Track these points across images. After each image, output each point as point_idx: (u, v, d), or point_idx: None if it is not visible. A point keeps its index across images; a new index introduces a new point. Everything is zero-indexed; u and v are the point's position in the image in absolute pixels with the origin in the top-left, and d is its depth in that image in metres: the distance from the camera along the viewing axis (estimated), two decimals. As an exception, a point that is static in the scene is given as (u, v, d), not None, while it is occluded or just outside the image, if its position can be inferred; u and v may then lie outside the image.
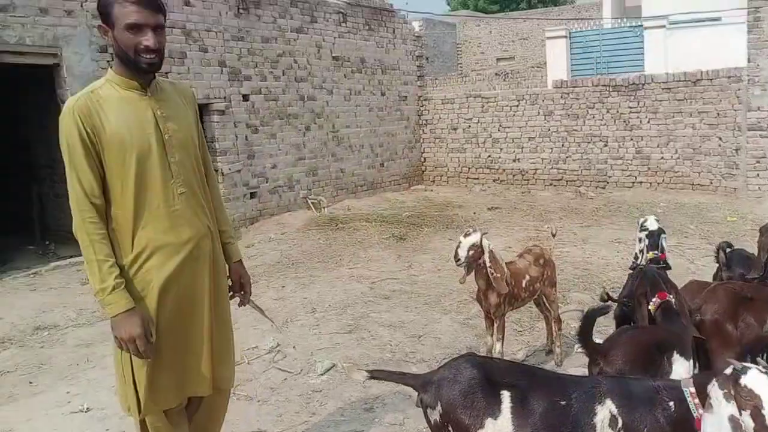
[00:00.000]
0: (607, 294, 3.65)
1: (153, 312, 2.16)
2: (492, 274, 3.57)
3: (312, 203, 9.79)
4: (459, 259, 3.53)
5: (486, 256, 3.57)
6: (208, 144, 8.34)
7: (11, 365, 4.31)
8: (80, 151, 2.05)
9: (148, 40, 2.07)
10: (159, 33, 2.11)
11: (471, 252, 3.52)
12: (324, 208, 9.71)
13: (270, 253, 7.45)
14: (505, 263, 3.82)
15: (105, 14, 2.09)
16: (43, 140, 7.93)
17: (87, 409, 3.62)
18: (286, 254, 7.32)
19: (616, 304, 3.56)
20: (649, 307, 3.09)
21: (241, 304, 2.57)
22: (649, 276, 3.23)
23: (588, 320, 2.74)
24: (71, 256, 7.08)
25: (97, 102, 2.09)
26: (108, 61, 7.08)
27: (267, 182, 9.25)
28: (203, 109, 8.47)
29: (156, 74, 2.22)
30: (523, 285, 3.86)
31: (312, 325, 4.94)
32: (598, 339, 2.91)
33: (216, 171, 8.47)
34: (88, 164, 2.06)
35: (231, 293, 2.52)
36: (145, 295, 2.15)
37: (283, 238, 8.11)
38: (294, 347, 4.48)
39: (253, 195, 9.04)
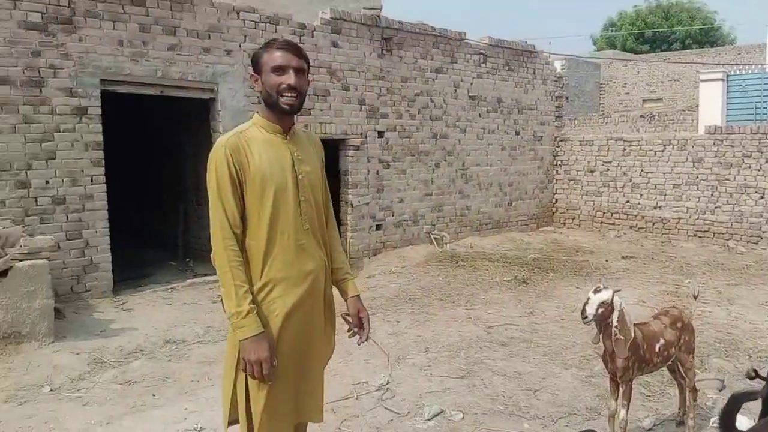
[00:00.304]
0: (755, 371, 3.23)
1: (275, 339, 2.29)
2: (615, 335, 3.28)
3: (435, 238, 9.75)
4: (586, 317, 3.30)
5: (615, 316, 3.30)
6: (341, 176, 8.76)
7: (139, 376, 4.58)
8: (228, 184, 2.25)
9: (289, 78, 2.27)
10: (300, 76, 2.31)
11: (600, 310, 3.27)
12: (446, 244, 9.62)
13: (389, 285, 7.47)
14: (638, 324, 3.51)
15: (255, 63, 2.35)
16: (192, 166, 8.58)
17: (200, 428, 3.73)
18: (405, 288, 7.30)
19: (766, 382, 3.13)
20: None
21: (361, 341, 2.60)
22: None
23: (732, 406, 2.42)
24: (206, 274, 7.54)
25: (245, 141, 2.30)
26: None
27: (393, 215, 9.36)
28: (339, 144, 8.80)
29: (295, 122, 2.44)
30: (656, 349, 3.52)
31: (423, 366, 4.83)
32: (746, 419, 2.56)
33: (346, 202, 8.77)
34: (233, 197, 2.26)
35: (349, 329, 2.61)
36: (268, 322, 2.29)
37: (403, 272, 8.11)
38: (403, 387, 4.39)
39: (378, 227, 9.17)
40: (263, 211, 2.29)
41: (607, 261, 8.98)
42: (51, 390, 4.28)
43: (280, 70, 2.28)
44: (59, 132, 6.33)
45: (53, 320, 5.13)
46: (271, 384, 2.27)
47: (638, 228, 11.09)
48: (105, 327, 5.64)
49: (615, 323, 3.29)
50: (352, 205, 8.76)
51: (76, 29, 6.36)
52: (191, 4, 7.15)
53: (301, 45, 7.98)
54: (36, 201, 6.22)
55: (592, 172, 11.76)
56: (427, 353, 5.12)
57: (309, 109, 8.24)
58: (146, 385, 4.41)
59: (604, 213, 11.60)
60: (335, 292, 2.60)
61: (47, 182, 6.28)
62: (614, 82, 25.94)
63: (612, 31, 39.51)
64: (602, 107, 24.65)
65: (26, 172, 6.15)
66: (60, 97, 6.32)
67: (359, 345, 2.62)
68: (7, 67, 6.00)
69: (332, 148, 8.96)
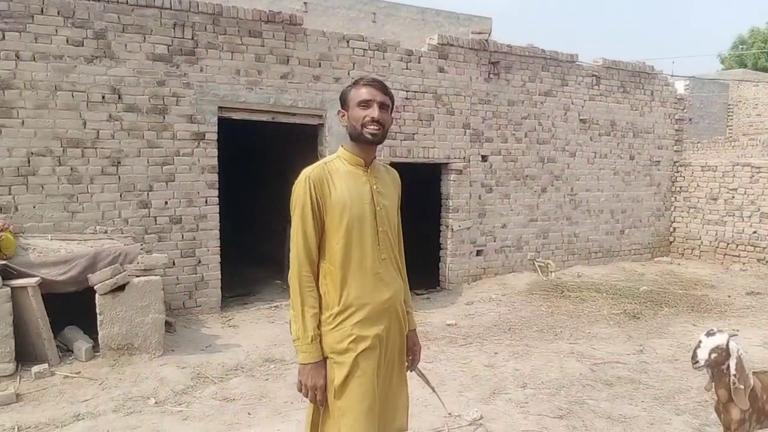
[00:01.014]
0: None
1: (345, 363, 2.35)
2: (734, 384, 2.99)
3: (539, 266, 9.41)
4: (697, 362, 3.05)
5: (732, 363, 3.02)
6: (442, 200, 8.72)
7: (237, 393, 4.71)
8: (309, 212, 2.36)
9: (373, 112, 2.40)
10: (383, 110, 2.44)
11: (713, 356, 3.02)
12: (552, 272, 9.26)
13: (488, 314, 7.28)
14: (758, 373, 3.19)
15: (343, 100, 2.50)
16: (299, 187, 8.86)
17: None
18: (505, 318, 7.09)
19: None
20: None
21: (409, 369, 2.71)
22: None
23: None
24: (308, 295, 7.71)
25: (328, 172, 2.43)
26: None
27: (495, 241, 9.16)
28: (442, 168, 8.77)
29: (376, 156, 2.56)
30: (777, 401, 3.18)
31: (520, 402, 4.63)
32: None
33: (447, 227, 8.70)
34: (314, 225, 2.37)
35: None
36: (344, 346, 2.36)
37: (504, 300, 7.89)
38: (497, 424, 4.24)
39: (479, 252, 9.00)
40: (342, 239, 2.39)
41: (729, 297, 8.27)
42: (156, 402, 4.51)
43: (365, 104, 2.41)
44: (179, 156, 6.77)
45: (164, 334, 5.43)
46: (348, 408, 2.35)
47: (766, 261, 10.15)
48: (211, 342, 5.89)
49: (733, 371, 3.01)
50: (452, 229, 8.67)
51: (198, 60, 6.79)
52: (304, 34, 7.44)
53: (407, 70, 8.13)
54: (155, 220, 6.67)
55: (714, 199, 10.94)
56: (525, 389, 4.91)
57: (413, 134, 8.30)
58: (243, 403, 4.53)
59: (727, 244, 10.73)
60: None
61: (166, 203, 6.71)
62: (744, 103, 24.12)
63: (742, 49, 36.92)
64: (729, 130, 22.98)
65: (148, 193, 6.61)
66: (181, 123, 6.76)
67: (408, 372, 2.70)
68: (135, 95, 6.51)
69: (434, 173, 8.96)
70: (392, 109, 2.53)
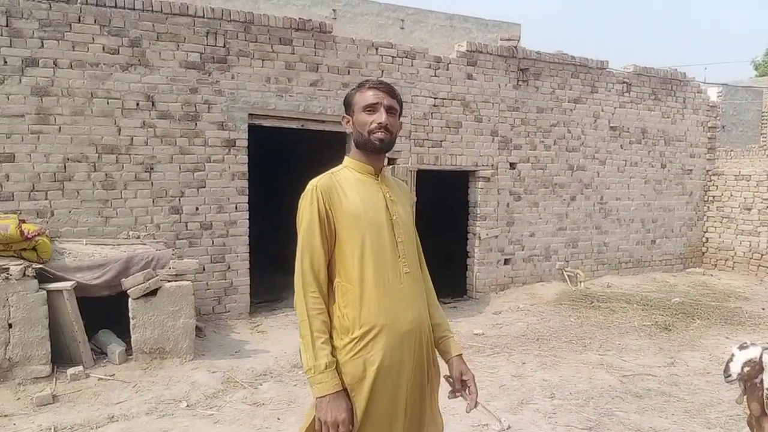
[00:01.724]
0: None
1: (367, 392, 2.09)
2: (767, 398, 2.94)
3: (568, 276, 9.32)
4: (729, 375, 3.02)
5: (765, 376, 2.96)
6: (470, 209, 8.67)
7: (267, 398, 4.76)
8: (317, 227, 2.15)
9: (380, 117, 2.20)
10: (391, 114, 2.24)
11: (746, 369, 2.98)
12: (581, 282, 9.16)
13: (516, 324, 7.23)
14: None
15: (347, 104, 2.30)
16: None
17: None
18: (533, 327, 7.03)
19: None
20: None
21: (470, 408, 2.30)
22: None
23: None
24: (335, 301, 7.76)
25: (336, 182, 2.23)
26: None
27: (523, 250, 9.10)
28: (470, 176, 8.75)
29: (384, 164, 2.37)
30: (813, 417, 3.11)
31: (548, 413, 4.60)
32: None
33: (474, 235, 8.67)
34: (321, 241, 2.14)
35: (453, 392, 2.36)
36: (365, 375, 2.09)
37: (532, 310, 7.83)
38: (525, 433, 4.21)
39: (507, 261, 8.95)
40: (360, 253, 2.16)
41: (763, 309, 8.08)
42: (188, 405, 4.58)
43: (371, 108, 2.22)
44: (210, 162, 6.87)
45: (194, 339, 5.51)
46: None
47: (804, 274, 9.91)
48: (240, 348, 5.96)
49: (767, 385, 2.96)
50: (479, 237, 8.64)
51: (230, 67, 6.90)
52: (333, 42, 7.51)
53: (435, 77, 8.15)
54: (186, 226, 6.77)
55: (749, 209, 10.72)
56: (553, 399, 4.86)
57: (441, 141, 8.30)
58: (273, 408, 4.57)
59: (762, 255, 10.49)
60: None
61: (197, 209, 6.82)
62: (779, 110, 23.59)
63: (777, 54, 36.16)
64: (764, 138, 22.49)
65: (179, 199, 6.72)
66: (212, 130, 6.87)
67: (467, 412, 2.33)
68: (168, 102, 6.63)
69: (462, 180, 8.94)
70: (401, 113, 2.33)
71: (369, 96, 2.23)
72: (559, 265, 9.44)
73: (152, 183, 6.59)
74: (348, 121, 2.31)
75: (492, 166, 8.77)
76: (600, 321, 7.31)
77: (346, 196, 2.20)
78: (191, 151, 6.78)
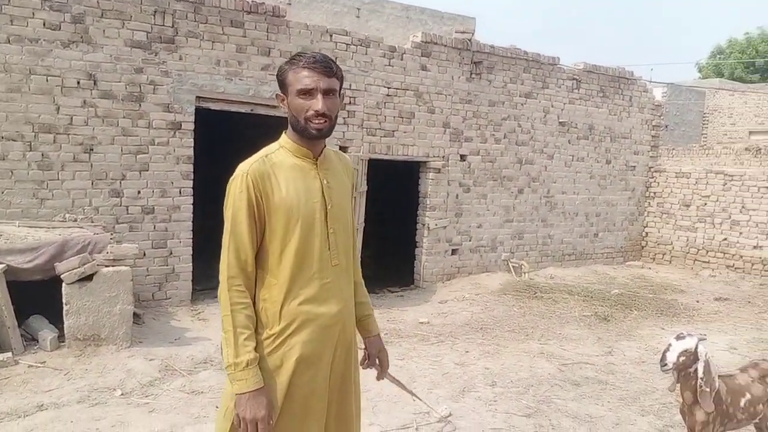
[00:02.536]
0: None
1: (285, 385, 2.05)
2: (700, 387, 3.04)
3: (513, 267, 9.48)
4: (665, 364, 3.09)
5: (699, 366, 3.06)
6: (420, 199, 8.71)
7: (206, 387, 4.66)
8: (245, 216, 2.02)
9: (316, 104, 2.02)
10: (330, 97, 2.05)
11: (681, 359, 3.06)
12: (525, 273, 9.33)
13: (461, 313, 7.31)
14: (723, 376, 3.24)
15: (281, 83, 2.10)
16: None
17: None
18: (477, 317, 7.12)
19: None
20: None
21: (379, 377, 2.47)
22: None
23: None
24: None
25: (270, 167, 2.08)
26: (344, 119, 7.85)
27: (470, 240, 9.19)
28: (420, 166, 8.77)
29: (325, 144, 2.22)
30: (741, 405, 3.25)
31: (489, 400, 4.66)
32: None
33: (423, 225, 8.71)
34: (249, 231, 2.02)
35: (366, 364, 2.43)
36: (283, 367, 2.05)
37: (477, 299, 7.92)
38: (466, 421, 4.25)
39: (454, 251, 9.03)
40: (287, 247, 2.05)
41: (698, 302, 8.41)
42: (122, 394, 4.44)
43: (306, 93, 2.03)
44: (153, 145, 6.67)
45: (131, 325, 5.35)
46: None
47: (735, 268, 10.34)
48: (180, 335, 5.83)
49: (700, 374, 3.05)
50: (428, 228, 8.69)
51: (178, 48, 6.70)
52: (287, 27, 7.38)
53: (390, 67, 8.11)
54: (127, 210, 6.57)
55: (687, 206, 11.11)
56: (494, 387, 4.94)
57: (393, 131, 8.29)
58: (211, 396, 4.48)
59: (698, 250, 10.91)
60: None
61: (139, 192, 6.62)
62: (719, 112, 24.55)
63: (720, 58, 37.55)
64: (704, 138, 23.36)
65: (120, 182, 6.51)
66: (157, 112, 6.67)
67: (378, 380, 2.51)
68: (112, 82, 6.40)
69: (413, 171, 8.96)
70: (341, 88, 2.13)
71: (304, 78, 2.02)
72: (504, 256, 9.59)
73: (92, 165, 6.36)
74: (283, 100, 2.11)
75: (443, 157, 8.81)
76: (542, 311, 7.46)
77: (279, 185, 2.06)
78: (134, 133, 6.57)
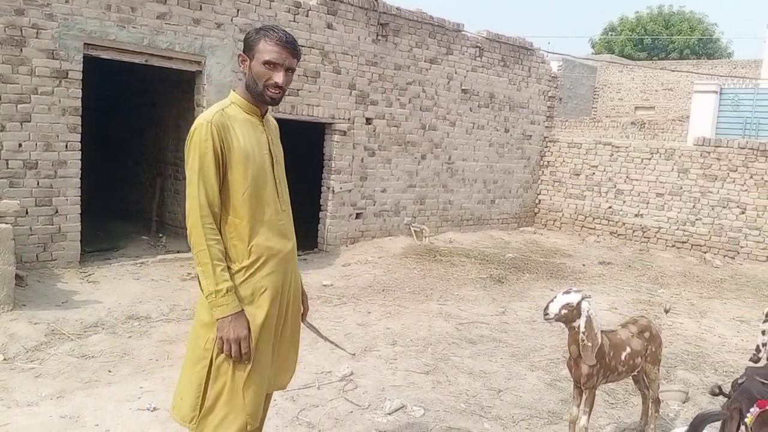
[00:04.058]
0: (719, 387, 3.23)
1: (262, 315, 2.30)
2: (583, 341, 3.24)
3: (414, 231, 9.67)
4: (548, 314, 3.27)
5: (582, 321, 3.25)
6: (325, 162, 8.63)
7: (97, 351, 4.46)
8: (211, 161, 2.23)
9: (279, 77, 2.29)
10: (289, 74, 2.34)
11: (564, 311, 3.23)
12: (426, 237, 9.55)
13: (363, 275, 7.39)
14: (605, 332, 3.47)
15: (249, 46, 2.33)
16: (174, 139, 8.42)
17: (154, 408, 3.64)
18: (379, 279, 7.23)
19: (727, 399, 3.12)
20: (746, 420, 2.67)
21: (302, 319, 2.67)
22: (749, 390, 2.81)
23: (696, 427, 2.40)
24: (178, 251, 7.42)
25: (228, 119, 2.30)
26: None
27: (374, 205, 9.26)
28: (326, 128, 8.67)
29: (268, 108, 2.46)
30: (622, 358, 3.49)
31: (389, 359, 4.77)
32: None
33: (328, 188, 8.66)
34: (215, 175, 2.24)
35: None
36: (255, 299, 2.30)
37: (379, 263, 8.04)
38: (367, 379, 4.33)
39: (358, 215, 9.07)
40: (247, 190, 2.30)
41: (584, 266, 8.97)
42: (5, 359, 4.17)
43: (272, 65, 2.28)
44: (36, 94, 6.15)
45: (13, 287, 4.99)
46: (256, 359, 2.28)
47: (618, 234, 11.11)
48: (67, 298, 5.50)
49: (582, 329, 3.25)
50: (333, 191, 8.65)
51: (62, -10, 6.17)
52: (186, -26, 6.97)
53: (294, 23, 7.88)
54: (7, 164, 6.05)
55: (577, 175, 11.74)
56: (395, 346, 5.06)
57: (297, 90, 8.11)
58: (103, 360, 4.29)
59: (585, 217, 11.60)
60: None
61: (20, 145, 6.11)
62: (608, 87, 25.98)
63: (612, 35, 39.56)
64: (594, 111, 24.67)
65: (-1, 134, 5.97)
66: (41, 58, 6.14)
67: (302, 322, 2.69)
68: (-13, 23, 5.81)
69: (318, 132, 8.84)
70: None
71: (273, 51, 2.28)
72: (407, 221, 9.75)
73: (-35, 113, 5.79)
74: (244, 60, 2.34)
75: (348, 119, 8.75)
76: (441, 273, 7.69)
77: (236, 135, 2.29)
78: (14, 80, 6.02)
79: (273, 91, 2.31)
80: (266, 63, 2.27)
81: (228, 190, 2.28)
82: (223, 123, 2.26)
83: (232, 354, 2.21)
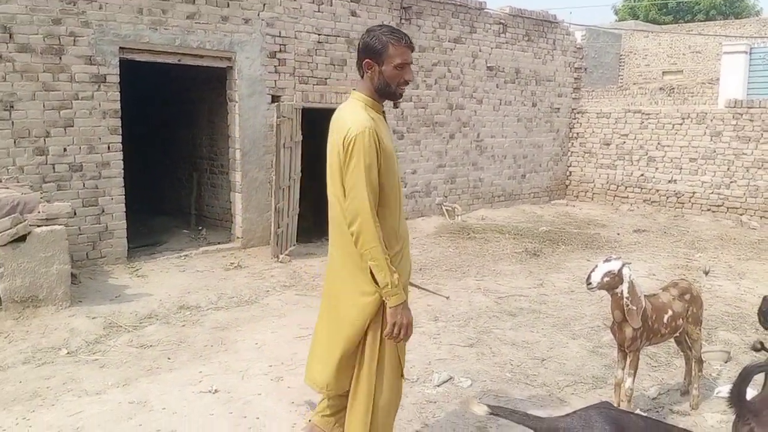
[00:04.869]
0: (761, 343, 3.29)
1: (408, 299, 2.58)
2: (627, 306, 3.33)
3: (446, 210, 9.77)
4: (590, 283, 3.35)
5: (624, 287, 3.33)
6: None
7: (154, 340, 4.68)
8: (374, 166, 2.43)
9: (409, 74, 2.54)
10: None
11: (606, 279, 3.32)
12: (458, 215, 9.64)
13: (401, 257, 7.51)
14: (647, 296, 3.55)
15: (376, 52, 2.50)
16: (208, 134, 8.62)
17: (215, 390, 3.83)
18: (415, 259, 7.32)
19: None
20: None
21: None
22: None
23: (743, 378, 2.47)
24: (219, 243, 7.66)
25: (374, 122, 2.49)
26: (275, 67, 7.72)
27: (405, 186, 9.36)
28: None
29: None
30: (665, 320, 3.57)
31: (433, 334, 4.91)
32: (751, 390, 2.61)
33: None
34: (376, 177, 2.45)
35: None
36: (403, 284, 2.56)
37: (414, 243, 8.14)
38: (413, 354, 4.47)
39: (391, 198, 9.17)
40: (393, 185, 2.54)
41: (618, 234, 8.97)
42: (68, 353, 4.40)
43: (403, 66, 2.50)
44: (77, 99, 6.39)
45: (69, 285, 5.24)
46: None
47: (652, 202, 11.04)
48: (119, 292, 5.75)
49: (626, 294, 3.32)
50: (365, 175, 8.76)
51: (96, -3, 6.36)
52: (211, -28, 7.12)
53: (319, 13, 7.97)
54: (53, 168, 6.32)
55: (607, 145, 11.66)
56: (437, 322, 5.19)
57: (325, 79, 8.23)
58: (161, 349, 4.51)
59: (617, 186, 11.54)
60: None
61: (65, 149, 6.37)
62: (634, 54, 25.48)
63: (635, 0, 38.66)
64: (621, 79, 24.26)
65: (44, 139, 6.23)
66: (79, 64, 6.36)
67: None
68: (29, 34, 6.04)
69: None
70: None
71: (404, 54, 2.49)
72: (438, 201, 9.85)
73: (13, 122, 6.04)
74: (371, 67, 2.51)
75: (375, 104, 8.82)
76: (476, 250, 7.78)
77: (383, 135, 2.50)
78: (56, 88, 6.26)
79: (403, 87, 2.55)
80: (398, 65, 2.48)
81: (381, 185, 2.49)
82: (376, 128, 2.44)
83: (402, 336, 2.49)
